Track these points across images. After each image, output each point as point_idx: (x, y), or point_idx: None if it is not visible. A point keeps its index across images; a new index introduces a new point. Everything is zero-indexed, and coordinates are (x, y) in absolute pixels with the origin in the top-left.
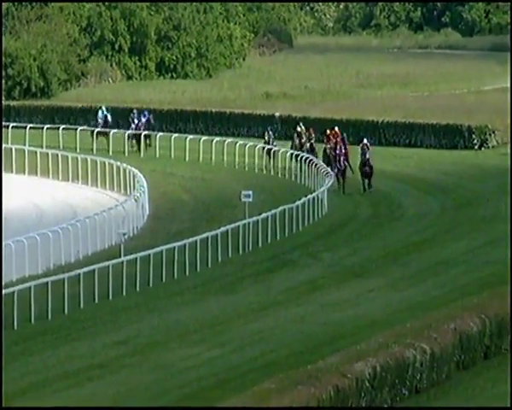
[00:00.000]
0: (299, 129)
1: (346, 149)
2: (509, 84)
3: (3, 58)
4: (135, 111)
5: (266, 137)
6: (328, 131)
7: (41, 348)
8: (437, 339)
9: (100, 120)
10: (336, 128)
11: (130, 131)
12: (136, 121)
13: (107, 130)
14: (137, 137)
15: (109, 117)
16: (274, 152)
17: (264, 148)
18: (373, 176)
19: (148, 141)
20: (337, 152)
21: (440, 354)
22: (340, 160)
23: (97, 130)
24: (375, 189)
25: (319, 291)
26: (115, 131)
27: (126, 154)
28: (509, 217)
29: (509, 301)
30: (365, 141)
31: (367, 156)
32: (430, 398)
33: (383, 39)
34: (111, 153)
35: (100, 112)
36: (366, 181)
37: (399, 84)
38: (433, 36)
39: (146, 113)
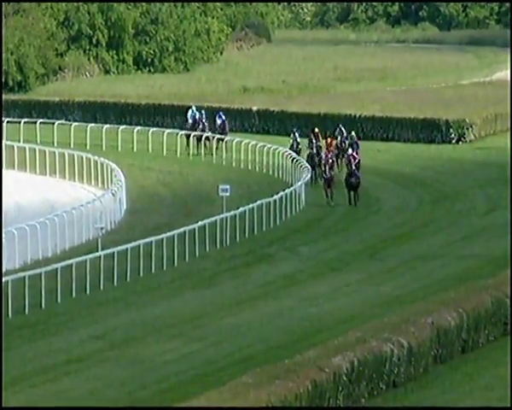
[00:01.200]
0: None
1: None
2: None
3: None
4: (193, 108)
5: (292, 140)
6: (327, 138)
7: (18, 343)
8: (414, 333)
9: (190, 120)
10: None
11: (196, 132)
12: (190, 120)
13: (208, 133)
14: (198, 138)
15: (198, 116)
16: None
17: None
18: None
19: (222, 144)
20: (325, 159)
21: (418, 348)
22: (325, 168)
23: (193, 133)
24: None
25: (297, 286)
26: (207, 134)
27: (104, 148)
28: (508, 208)
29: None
30: (350, 151)
31: (353, 167)
32: (408, 392)
33: (361, 33)
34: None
35: (190, 111)
36: (352, 193)
37: (377, 78)
38: (410, 30)
39: (221, 114)
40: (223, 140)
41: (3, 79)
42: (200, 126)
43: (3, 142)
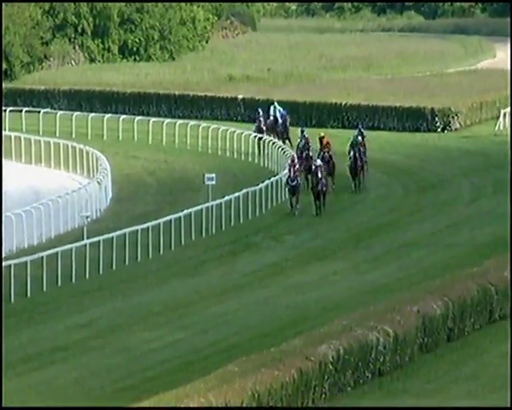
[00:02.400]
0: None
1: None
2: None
3: None
4: (276, 105)
5: (299, 140)
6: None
7: (4, 332)
8: (400, 322)
9: (271, 117)
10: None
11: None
12: (262, 119)
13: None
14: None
15: (278, 114)
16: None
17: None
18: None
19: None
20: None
21: (403, 336)
22: (317, 175)
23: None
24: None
25: (282, 274)
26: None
27: (90, 137)
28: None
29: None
30: (319, 163)
31: (319, 176)
32: (393, 380)
33: (346, 22)
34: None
35: (272, 108)
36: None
37: (362, 66)
38: (396, 19)
39: (282, 110)
40: (288, 139)
41: None
42: (280, 128)
43: None
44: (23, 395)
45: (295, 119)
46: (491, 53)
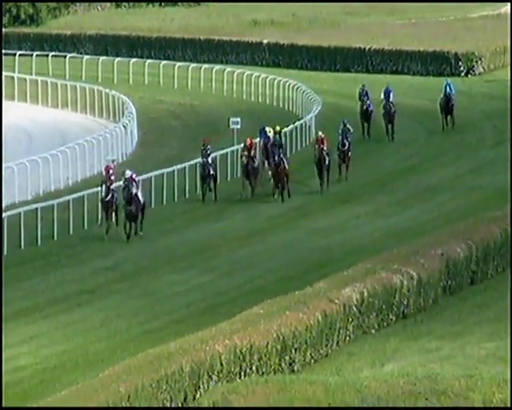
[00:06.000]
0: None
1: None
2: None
3: None
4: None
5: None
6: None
7: (31, 274)
8: (424, 265)
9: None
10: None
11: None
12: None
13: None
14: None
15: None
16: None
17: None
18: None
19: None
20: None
21: (427, 279)
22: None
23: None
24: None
25: (307, 218)
26: None
27: (115, 81)
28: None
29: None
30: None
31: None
32: (417, 323)
33: None
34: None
35: (445, 83)
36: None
37: (386, 11)
38: None
39: (390, 89)
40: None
41: (15, 12)
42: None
43: (16, 74)
44: (50, 337)
45: (320, 63)
46: None
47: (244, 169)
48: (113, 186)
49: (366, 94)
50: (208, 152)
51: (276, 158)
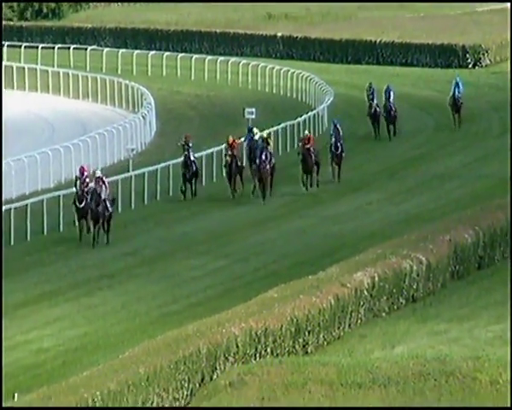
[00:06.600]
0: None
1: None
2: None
3: None
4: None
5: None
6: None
7: (53, 259)
8: (433, 250)
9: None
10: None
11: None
12: (375, 102)
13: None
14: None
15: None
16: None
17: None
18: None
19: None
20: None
21: (436, 264)
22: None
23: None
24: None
25: (319, 205)
26: None
27: (135, 73)
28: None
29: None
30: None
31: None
32: (426, 306)
33: None
34: None
35: (454, 81)
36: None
37: (397, 5)
38: None
39: (390, 88)
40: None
41: (38, 6)
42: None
43: (38, 66)
44: (72, 320)
45: (332, 56)
46: None
47: (228, 169)
48: (87, 189)
49: (373, 93)
50: (190, 150)
51: (258, 160)
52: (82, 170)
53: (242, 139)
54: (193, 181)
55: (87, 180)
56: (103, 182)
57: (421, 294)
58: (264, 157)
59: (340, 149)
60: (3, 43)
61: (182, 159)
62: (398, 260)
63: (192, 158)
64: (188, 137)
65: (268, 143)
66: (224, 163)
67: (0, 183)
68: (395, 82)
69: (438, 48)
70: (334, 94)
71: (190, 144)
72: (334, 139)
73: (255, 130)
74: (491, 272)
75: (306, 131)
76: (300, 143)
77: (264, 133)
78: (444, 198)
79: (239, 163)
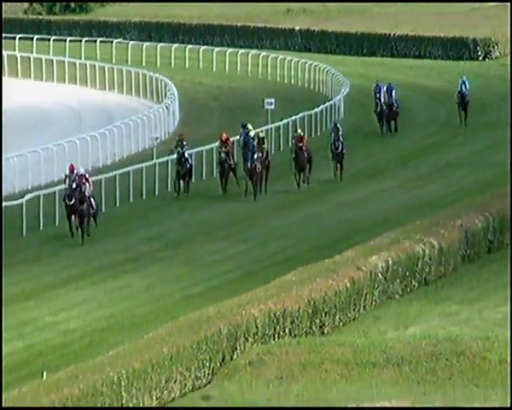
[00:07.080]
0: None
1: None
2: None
3: None
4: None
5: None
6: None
7: (80, 243)
8: (444, 235)
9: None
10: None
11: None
12: (383, 98)
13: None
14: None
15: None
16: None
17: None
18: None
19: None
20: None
21: (447, 248)
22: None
23: None
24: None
25: (335, 192)
26: None
27: (158, 65)
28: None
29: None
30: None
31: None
32: (438, 288)
33: None
34: None
35: (461, 80)
36: None
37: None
38: None
39: (392, 86)
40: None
41: (66, 1)
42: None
43: (66, 59)
44: (98, 302)
45: (348, 48)
46: None
47: (221, 166)
48: (74, 186)
49: (379, 92)
50: (184, 148)
51: (249, 161)
52: (71, 168)
53: (237, 138)
54: (186, 178)
55: (77, 178)
56: (87, 179)
57: (433, 277)
58: (256, 157)
59: (339, 149)
60: (33, 36)
61: (175, 156)
62: (411, 244)
63: (186, 156)
64: (182, 135)
65: (263, 143)
66: (217, 160)
67: (0, 180)
68: (409, 74)
69: (450, 41)
70: (349, 85)
71: (185, 143)
72: (333, 138)
73: (249, 126)
74: (500, 256)
75: (299, 130)
76: (293, 141)
77: (260, 134)
78: (455, 185)
79: (231, 162)
